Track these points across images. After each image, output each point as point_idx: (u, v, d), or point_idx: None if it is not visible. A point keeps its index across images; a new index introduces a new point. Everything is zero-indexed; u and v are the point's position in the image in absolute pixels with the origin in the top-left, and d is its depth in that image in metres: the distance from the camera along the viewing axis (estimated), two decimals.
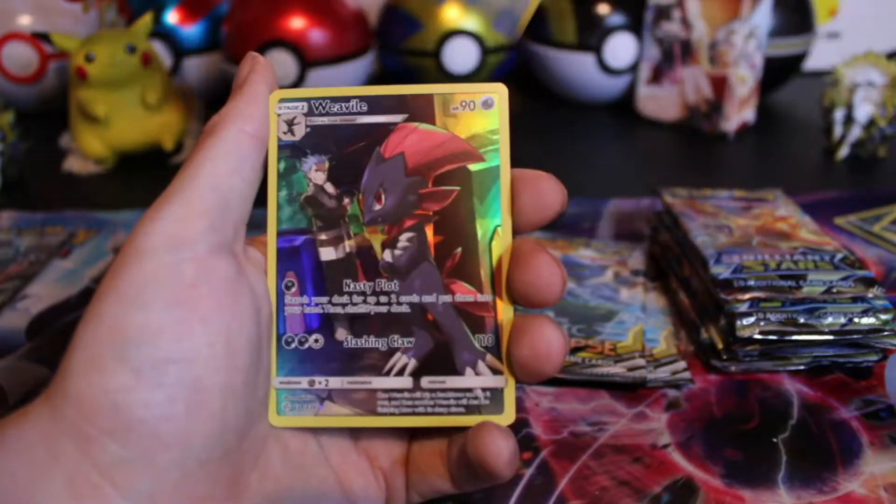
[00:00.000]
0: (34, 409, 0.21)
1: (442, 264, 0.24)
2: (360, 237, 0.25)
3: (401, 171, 0.24)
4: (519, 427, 0.33)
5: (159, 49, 0.73)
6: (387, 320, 0.24)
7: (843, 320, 0.34)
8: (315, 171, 0.25)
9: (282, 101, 0.25)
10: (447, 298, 0.24)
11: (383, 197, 0.24)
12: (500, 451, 0.22)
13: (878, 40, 0.81)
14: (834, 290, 0.36)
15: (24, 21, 0.72)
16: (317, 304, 0.24)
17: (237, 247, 0.23)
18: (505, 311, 0.24)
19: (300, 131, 0.25)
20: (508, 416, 0.24)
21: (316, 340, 0.24)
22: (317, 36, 0.69)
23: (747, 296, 0.35)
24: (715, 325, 0.36)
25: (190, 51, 0.76)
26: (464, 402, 0.24)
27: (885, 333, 0.34)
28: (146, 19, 0.63)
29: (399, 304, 0.24)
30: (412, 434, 0.26)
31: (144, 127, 0.63)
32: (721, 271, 0.37)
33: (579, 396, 0.35)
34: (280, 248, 0.25)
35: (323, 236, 0.25)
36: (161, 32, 0.74)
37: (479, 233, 0.24)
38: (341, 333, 0.24)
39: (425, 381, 0.24)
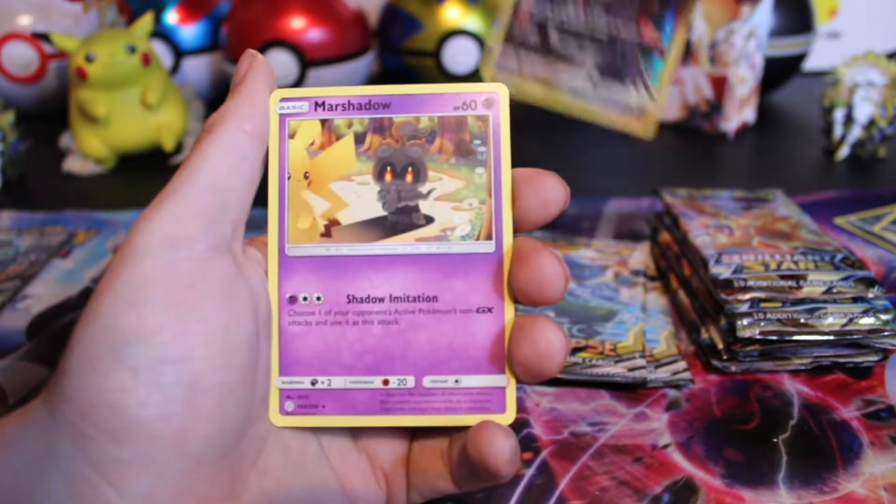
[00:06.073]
0: (33, 408, 0.21)
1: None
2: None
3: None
4: (519, 427, 0.33)
5: (159, 49, 0.73)
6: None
7: (843, 320, 0.34)
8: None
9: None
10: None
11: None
12: (502, 450, 0.22)
13: (878, 40, 0.82)
14: (834, 290, 0.36)
15: (24, 21, 0.72)
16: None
17: (235, 246, 0.23)
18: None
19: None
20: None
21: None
22: (317, 36, 0.69)
23: (747, 296, 0.35)
24: (715, 325, 0.36)
25: (190, 51, 0.76)
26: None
27: (886, 334, 0.34)
28: (146, 19, 0.63)
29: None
30: (413, 434, 0.26)
31: (144, 127, 0.63)
32: (721, 271, 0.37)
33: (580, 396, 0.35)
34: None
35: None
36: (161, 32, 0.74)
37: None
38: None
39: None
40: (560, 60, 0.24)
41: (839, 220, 0.51)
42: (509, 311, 0.24)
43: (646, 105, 0.24)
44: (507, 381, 0.24)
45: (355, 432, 0.25)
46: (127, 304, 0.20)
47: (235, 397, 0.22)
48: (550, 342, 0.23)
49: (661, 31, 0.24)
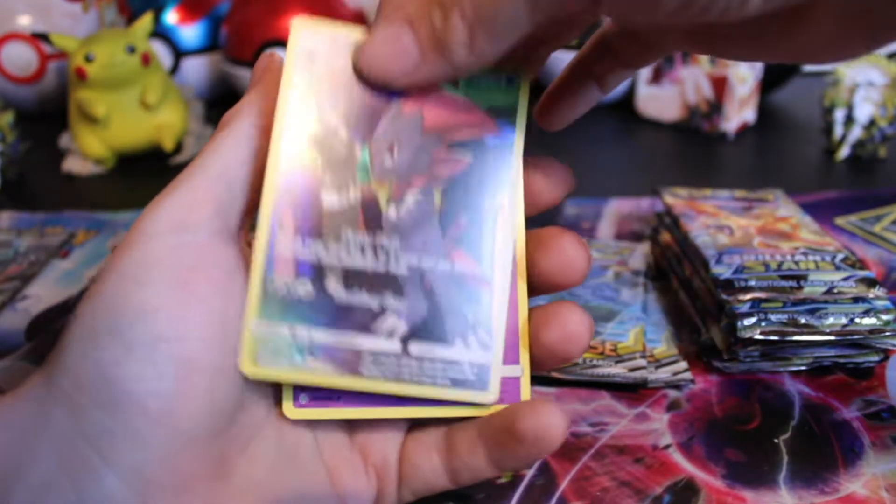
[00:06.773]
0: (31, 382, 0.21)
1: (445, 230, 0.24)
2: (366, 187, 0.23)
3: (417, 130, 0.24)
4: None
5: (159, 49, 0.73)
6: (382, 279, 0.23)
7: (844, 321, 0.34)
8: (329, 112, 0.23)
9: (306, 31, 0.23)
10: (446, 265, 0.24)
11: (395, 151, 0.23)
12: (557, 422, 0.23)
13: None
14: (835, 290, 0.36)
15: (24, 21, 0.71)
16: (310, 249, 0.23)
17: (241, 236, 0.24)
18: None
19: (320, 67, 0.23)
20: (493, 393, 0.23)
21: (304, 287, 0.23)
22: None
23: (748, 296, 0.35)
24: (716, 325, 0.36)
25: (190, 51, 0.76)
26: (450, 374, 0.23)
27: (887, 334, 0.34)
28: (146, 19, 0.63)
29: (397, 263, 0.23)
30: (408, 429, 0.26)
31: (144, 127, 0.63)
32: (722, 272, 0.37)
33: (580, 397, 0.34)
34: (280, 184, 0.23)
35: (327, 180, 0.23)
36: (161, 32, 0.74)
37: (486, 205, 0.24)
38: (332, 285, 0.23)
39: (414, 348, 0.23)
40: (350, 323, 0.22)
41: (840, 221, 0.51)
42: (522, 303, 0.24)
43: (485, 362, 0.23)
44: (521, 371, 0.24)
45: (352, 428, 0.25)
46: (129, 282, 0.21)
47: (228, 380, 0.22)
48: (580, 323, 0.23)
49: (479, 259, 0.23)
